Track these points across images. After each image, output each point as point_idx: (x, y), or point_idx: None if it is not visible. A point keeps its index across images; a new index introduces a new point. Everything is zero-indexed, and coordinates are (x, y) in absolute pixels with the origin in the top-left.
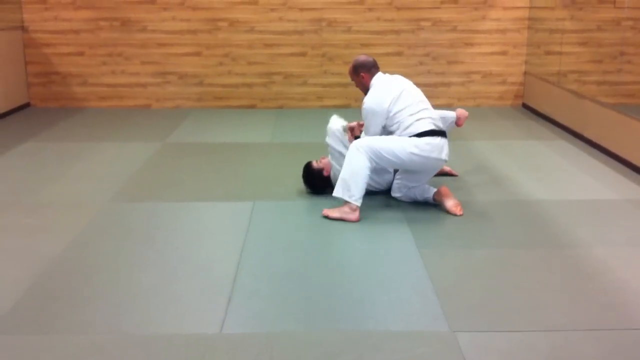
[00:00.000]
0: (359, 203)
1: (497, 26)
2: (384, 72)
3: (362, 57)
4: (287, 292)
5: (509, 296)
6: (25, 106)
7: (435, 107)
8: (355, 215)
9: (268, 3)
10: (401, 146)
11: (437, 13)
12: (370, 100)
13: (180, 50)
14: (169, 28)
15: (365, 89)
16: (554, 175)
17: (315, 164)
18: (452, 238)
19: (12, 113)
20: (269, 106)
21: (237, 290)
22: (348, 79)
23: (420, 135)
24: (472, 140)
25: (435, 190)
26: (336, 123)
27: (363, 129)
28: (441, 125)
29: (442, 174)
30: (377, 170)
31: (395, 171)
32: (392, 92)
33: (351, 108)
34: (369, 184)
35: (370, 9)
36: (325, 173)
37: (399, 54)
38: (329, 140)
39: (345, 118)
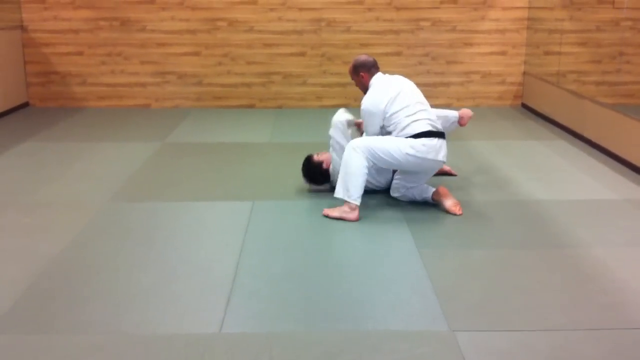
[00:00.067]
0: (357, 202)
1: (497, 26)
2: (384, 72)
3: (363, 57)
4: (286, 292)
5: (508, 296)
6: (24, 106)
7: (436, 107)
8: (354, 215)
9: (267, 3)
10: (397, 147)
11: (437, 13)
12: (367, 102)
13: (180, 50)
14: (168, 28)
15: (365, 89)
16: (554, 175)
17: (315, 157)
18: (452, 238)
19: (11, 112)
20: (268, 106)
21: (236, 290)
22: (347, 79)
23: (416, 136)
24: (471, 140)
25: (434, 190)
26: (342, 116)
27: (363, 127)
28: (439, 127)
29: (442, 173)
30: (378, 169)
31: (394, 171)
32: (389, 93)
33: (350, 108)
34: (370, 182)
35: (369, 9)
36: (324, 166)
37: (398, 54)
38: (332, 132)
39: None
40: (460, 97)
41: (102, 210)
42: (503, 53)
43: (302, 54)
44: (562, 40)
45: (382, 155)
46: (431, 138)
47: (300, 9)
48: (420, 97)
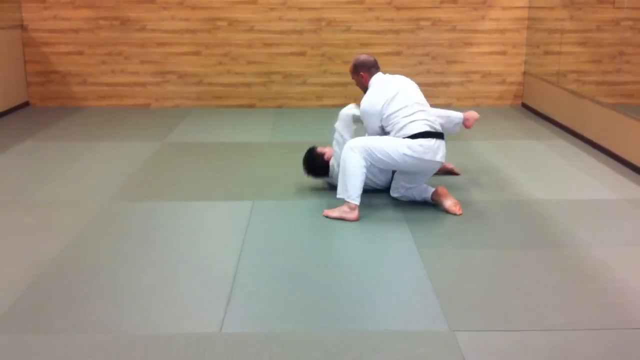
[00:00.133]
0: (357, 202)
1: (497, 26)
2: (385, 72)
3: (363, 57)
4: (286, 292)
5: (508, 296)
6: (24, 105)
7: (436, 107)
8: (354, 214)
9: (267, 2)
10: (394, 147)
11: (437, 13)
12: (364, 102)
13: (180, 50)
14: (168, 27)
15: (365, 89)
16: (554, 175)
17: (319, 149)
18: (452, 238)
19: (11, 112)
20: (268, 105)
21: (236, 290)
22: (347, 79)
23: (414, 136)
24: (471, 140)
25: (433, 190)
26: (350, 110)
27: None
28: (438, 127)
29: (445, 172)
30: (379, 168)
31: (394, 171)
32: (386, 94)
33: None
34: (372, 181)
35: (369, 9)
36: (326, 157)
37: (398, 53)
38: (337, 124)
39: None
40: (461, 97)
41: (102, 210)
42: (503, 53)
43: (303, 54)
44: (562, 40)
45: (380, 156)
46: (429, 139)
47: (301, 9)
48: (419, 97)
